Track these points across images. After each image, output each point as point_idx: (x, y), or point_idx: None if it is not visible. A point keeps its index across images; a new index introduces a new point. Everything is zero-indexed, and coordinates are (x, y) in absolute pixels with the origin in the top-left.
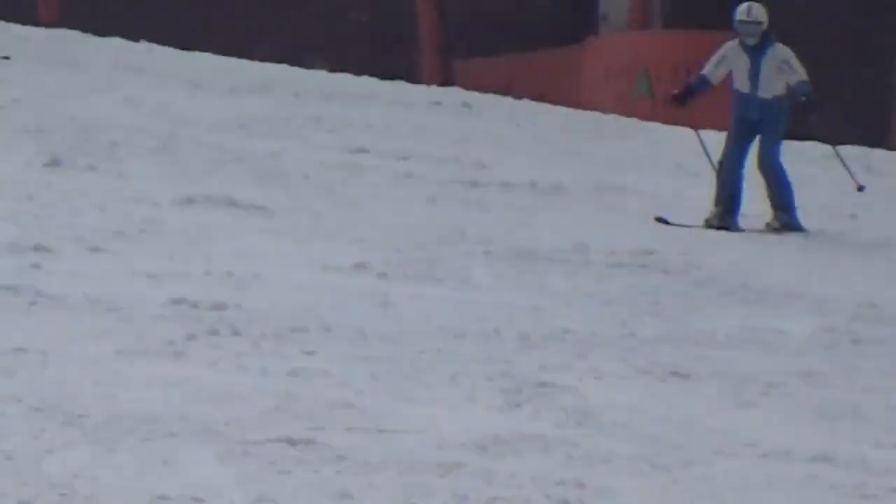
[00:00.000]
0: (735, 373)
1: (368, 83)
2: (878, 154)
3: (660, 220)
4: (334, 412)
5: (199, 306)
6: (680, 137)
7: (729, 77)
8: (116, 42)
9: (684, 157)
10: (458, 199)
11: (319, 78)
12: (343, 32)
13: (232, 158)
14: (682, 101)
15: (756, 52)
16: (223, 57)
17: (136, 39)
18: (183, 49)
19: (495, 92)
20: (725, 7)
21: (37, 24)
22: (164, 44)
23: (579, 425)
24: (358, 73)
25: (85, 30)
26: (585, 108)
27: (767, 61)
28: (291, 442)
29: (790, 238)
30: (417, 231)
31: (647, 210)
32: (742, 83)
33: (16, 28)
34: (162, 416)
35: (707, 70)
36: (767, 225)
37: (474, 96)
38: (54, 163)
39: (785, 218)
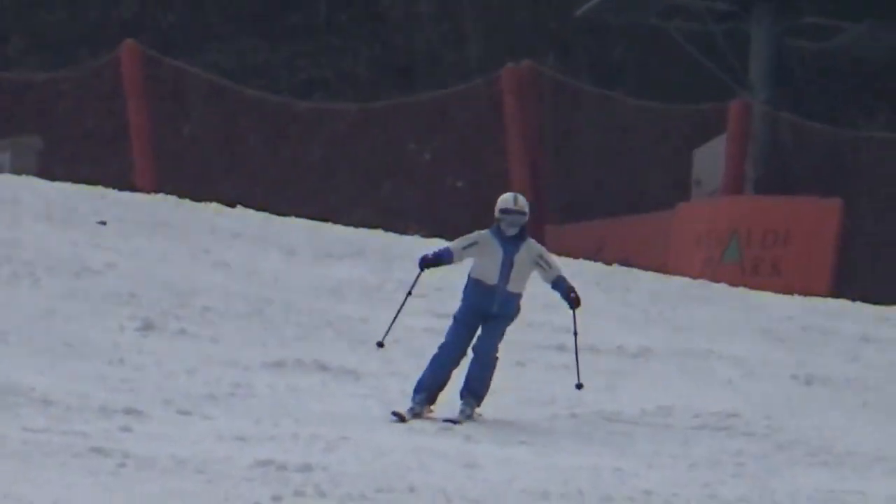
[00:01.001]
0: None
1: None
2: None
3: (396, 414)
4: None
5: (286, 468)
6: (767, 304)
7: None
8: (212, 207)
9: (771, 322)
10: (545, 364)
11: (412, 243)
12: (439, 198)
13: (323, 323)
14: (428, 266)
15: (511, 245)
16: (318, 222)
17: (231, 205)
18: (278, 214)
19: (585, 257)
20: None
21: (134, 189)
22: (259, 209)
23: None
24: (451, 238)
25: (182, 195)
26: (673, 272)
27: (521, 254)
28: None
29: (875, 402)
30: (505, 395)
31: (731, 374)
32: (488, 274)
33: (113, 194)
34: None
35: (454, 247)
36: (462, 412)
37: (563, 261)
38: (147, 327)
39: (474, 406)
